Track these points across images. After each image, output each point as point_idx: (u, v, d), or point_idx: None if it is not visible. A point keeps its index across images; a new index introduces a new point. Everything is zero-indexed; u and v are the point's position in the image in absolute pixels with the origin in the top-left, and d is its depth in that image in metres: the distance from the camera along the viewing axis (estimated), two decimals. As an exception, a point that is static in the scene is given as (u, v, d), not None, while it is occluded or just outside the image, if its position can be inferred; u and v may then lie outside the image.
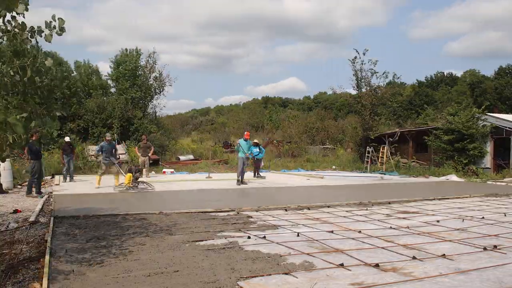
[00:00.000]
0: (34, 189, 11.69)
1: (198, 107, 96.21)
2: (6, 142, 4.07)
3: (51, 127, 4.55)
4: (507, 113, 33.34)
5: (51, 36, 4.67)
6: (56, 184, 14.41)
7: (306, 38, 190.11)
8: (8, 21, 4.48)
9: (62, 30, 4.71)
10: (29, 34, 4.62)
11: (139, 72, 29.37)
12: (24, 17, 4.46)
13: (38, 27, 4.67)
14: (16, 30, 4.48)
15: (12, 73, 4.32)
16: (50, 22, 4.68)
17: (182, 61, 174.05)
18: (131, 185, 12.27)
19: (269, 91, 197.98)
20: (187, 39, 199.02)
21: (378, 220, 8.00)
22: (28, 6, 4.27)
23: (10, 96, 4.49)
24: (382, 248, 5.73)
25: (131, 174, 12.36)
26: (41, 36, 4.69)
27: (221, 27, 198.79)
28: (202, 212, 8.64)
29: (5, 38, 4.49)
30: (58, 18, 4.70)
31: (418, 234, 6.72)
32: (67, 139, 16.51)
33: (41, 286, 4.05)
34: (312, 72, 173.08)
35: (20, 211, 8.92)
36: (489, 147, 20.45)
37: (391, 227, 7.26)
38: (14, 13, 4.30)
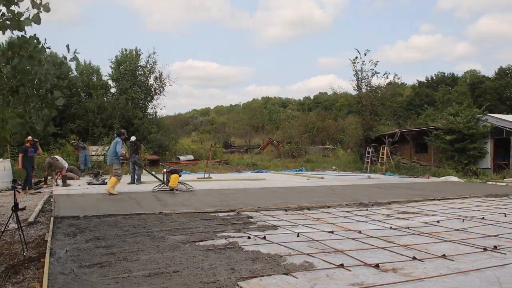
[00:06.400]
0: None
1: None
2: (5, 138, 4.06)
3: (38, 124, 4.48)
4: (507, 113, 33.31)
5: (39, 17, 4.58)
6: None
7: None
8: (3, 13, 4.48)
9: (46, 8, 4.61)
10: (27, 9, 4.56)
11: (139, 72, 29.37)
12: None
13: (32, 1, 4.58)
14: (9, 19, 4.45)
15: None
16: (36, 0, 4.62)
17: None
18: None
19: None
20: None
21: (378, 221, 7.99)
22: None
23: (6, 92, 4.45)
24: (382, 248, 5.73)
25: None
26: (39, 10, 4.57)
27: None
28: (202, 212, 8.64)
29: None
30: None
31: (418, 234, 6.72)
32: (133, 138, 15.81)
33: (41, 286, 4.05)
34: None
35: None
36: (489, 148, 20.44)
37: (391, 228, 7.26)
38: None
